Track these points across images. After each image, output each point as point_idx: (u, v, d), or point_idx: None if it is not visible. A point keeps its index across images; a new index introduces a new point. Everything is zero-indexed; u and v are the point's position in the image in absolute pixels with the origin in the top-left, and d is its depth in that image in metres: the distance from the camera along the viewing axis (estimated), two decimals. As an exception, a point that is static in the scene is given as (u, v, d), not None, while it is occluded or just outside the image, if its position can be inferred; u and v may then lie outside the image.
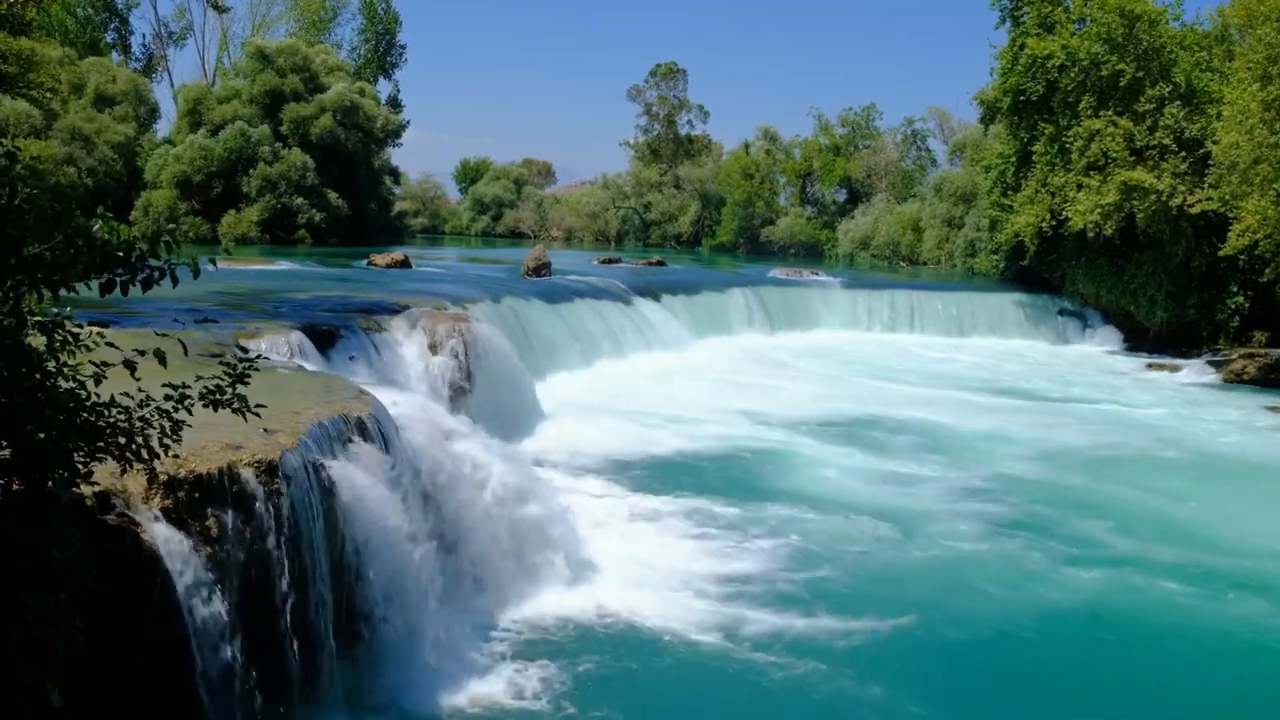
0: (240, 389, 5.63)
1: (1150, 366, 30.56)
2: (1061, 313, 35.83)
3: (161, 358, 5.22)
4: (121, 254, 4.85)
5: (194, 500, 6.80)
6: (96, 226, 4.88)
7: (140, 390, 5.39)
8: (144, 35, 70.78)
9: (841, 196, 68.24)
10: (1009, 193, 36.77)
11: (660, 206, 73.96)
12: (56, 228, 4.78)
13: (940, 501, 14.72)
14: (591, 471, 15.31)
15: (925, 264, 53.90)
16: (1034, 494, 15.33)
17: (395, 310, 17.39)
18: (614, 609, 10.21)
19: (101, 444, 5.09)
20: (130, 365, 5.10)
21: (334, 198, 48.62)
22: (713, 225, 70.43)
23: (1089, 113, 32.90)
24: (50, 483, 4.92)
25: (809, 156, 68.87)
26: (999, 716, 8.96)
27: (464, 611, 9.60)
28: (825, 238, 64.94)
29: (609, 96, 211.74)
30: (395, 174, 60.43)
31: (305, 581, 7.64)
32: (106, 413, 5.12)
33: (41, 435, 4.84)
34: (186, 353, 6.00)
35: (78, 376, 5.04)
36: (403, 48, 71.17)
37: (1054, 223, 33.67)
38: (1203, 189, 30.27)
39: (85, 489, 5.34)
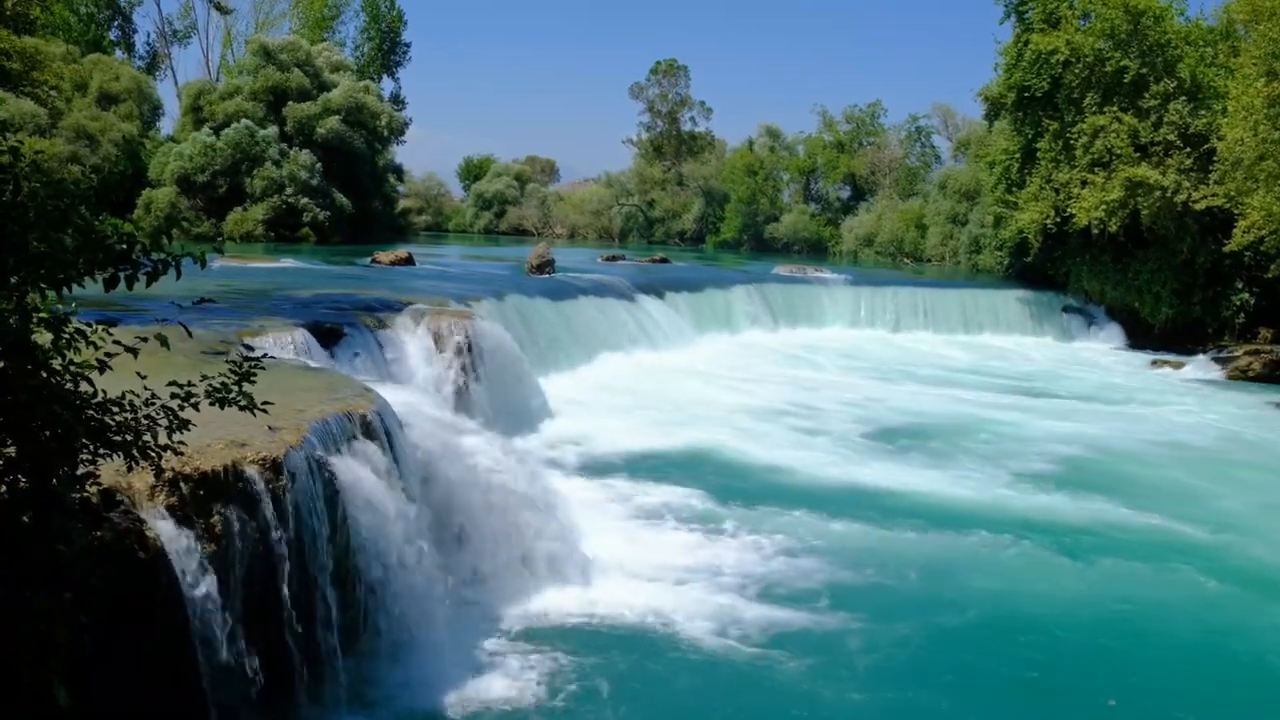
0: (246, 386, 5.63)
1: (1155, 364, 30.52)
2: (1066, 310, 35.79)
3: (164, 341, 5.23)
4: (124, 248, 4.85)
5: (199, 498, 6.79)
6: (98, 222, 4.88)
7: (146, 388, 5.39)
8: (148, 34, 70.81)
9: (845, 193, 68.18)
10: (1013, 189, 36.72)
11: (664, 204, 73.95)
12: (58, 224, 4.78)
13: (951, 502, 14.61)
14: (595, 468, 15.29)
15: (929, 261, 53.86)
16: (1058, 496, 15.11)
17: (399, 308, 17.38)
18: (617, 606, 10.19)
19: (107, 442, 5.09)
20: (133, 351, 5.09)
21: (338, 196, 48.63)
22: (716, 222, 70.37)
23: (1093, 109, 32.85)
24: (55, 480, 4.92)
25: (812, 153, 68.81)
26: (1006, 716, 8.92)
27: (468, 608, 9.60)
28: (829, 235, 64.89)
29: (612, 94, 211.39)
30: (399, 172, 60.46)
31: (309, 578, 7.64)
32: (113, 410, 5.12)
33: (47, 433, 4.84)
34: (190, 335, 6.01)
35: (84, 374, 5.04)
36: (407, 46, 71.32)
37: (1058, 219, 33.60)
38: (1208, 185, 30.21)
39: (90, 487, 5.33)
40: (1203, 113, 31.78)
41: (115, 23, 63.61)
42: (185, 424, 5.43)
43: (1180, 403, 24.14)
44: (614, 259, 42.37)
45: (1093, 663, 9.77)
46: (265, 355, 6.03)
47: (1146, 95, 32.33)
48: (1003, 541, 12.83)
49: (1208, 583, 11.77)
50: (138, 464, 5.28)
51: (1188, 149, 31.51)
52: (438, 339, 16.42)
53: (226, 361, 5.83)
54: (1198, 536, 13.35)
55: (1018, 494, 15.11)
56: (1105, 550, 12.80)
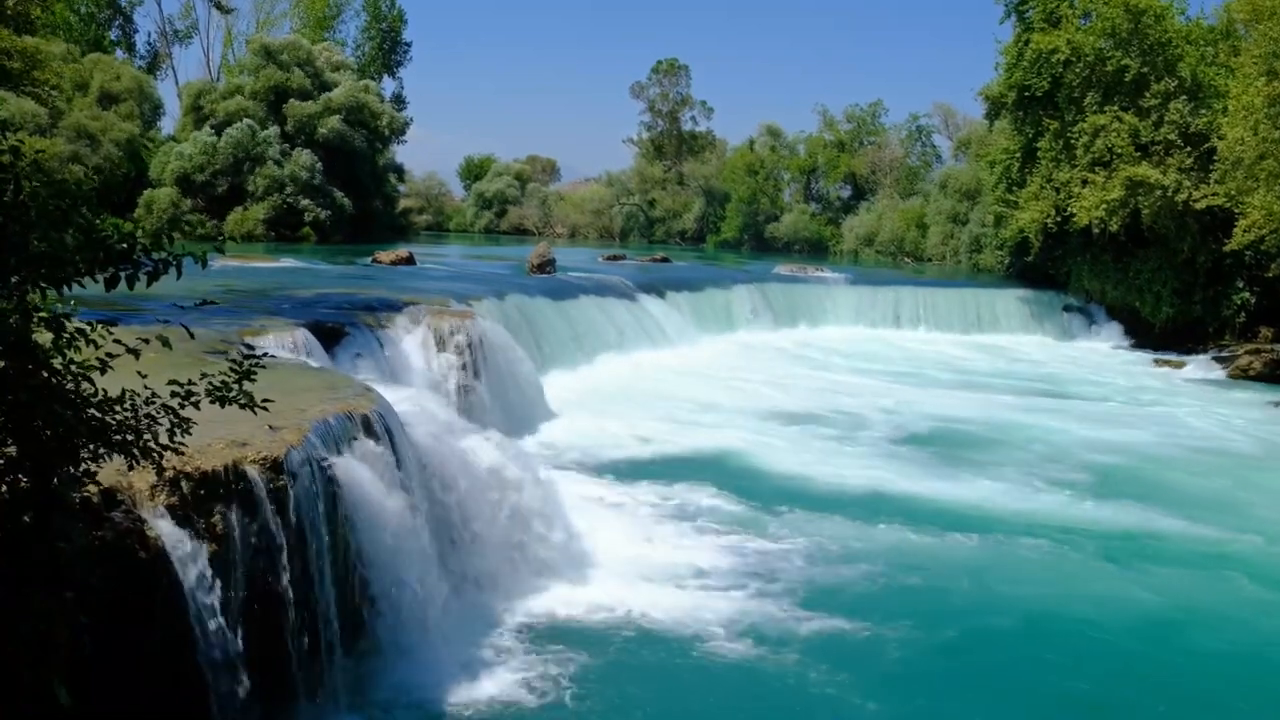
0: (246, 385, 5.62)
1: (1157, 363, 30.51)
2: (1067, 309, 35.78)
3: (165, 342, 5.23)
4: (125, 248, 4.85)
5: (199, 497, 6.79)
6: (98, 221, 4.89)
7: (147, 388, 5.39)
8: (149, 33, 70.95)
9: (846, 193, 68.22)
10: (1014, 189, 36.71)
11: (664, 203, 73.95)
12: (60, 224, 4.78)
13: (958, 503, 14.54)
14: (596, 468, 15.28)
15: (929, 260, 53.88)
16: (1089, 502, 14.93)
17: (400, 307, 17.38)
18: (618, 606, 10.18)
19: (108, 441, 5.09)
20: (134, 352, 5.10)
21: (339, 196, 48.65)
22: (717, 222, 70.36)
23: (1094, 108, 32.84)
24: (55, 480, 4.92)
25: (813, 153, 68.83)
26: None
27: (468, 609, 9.58)
28: (830, 234, 64.91)
29: (612, 94, 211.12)
30: (400, 171, 60.48)
31: (309, 578, 7.64)
32: (114, 409, 5.12)
33: (48, 432, 4.84)
34: (192, 336, 6.02)
35: (84, 374, 5.04)
36: (407, 45, 71.39)
37: (1059, 219, 33.59)
38: (1208, 184, 30.20)
39: (91, 486, 5.33)
40: (1203, 112, 31.76)
41: (116, 22, 63.67)
42: (187, 423, 5.43)
43: (1187, 404, 24.06)
44: (615, 258, 42.40)
45: (1138, 672, 9.62)
46: (265, 354, 6.02)
47: (1147, 94, 32.32)
48: (1040, 547, 12.70)
49: (1250, 590, 11.63)
50: (139, 463, 5.28)
51: (1188, 148, 31.49)
52: (439, 339, 16.43)
53: (227, 360, 5.83)
54: (1236, 542, 13.24)
55: (1049, 499, 14.93)
56: (1144, 556, 12.68)
